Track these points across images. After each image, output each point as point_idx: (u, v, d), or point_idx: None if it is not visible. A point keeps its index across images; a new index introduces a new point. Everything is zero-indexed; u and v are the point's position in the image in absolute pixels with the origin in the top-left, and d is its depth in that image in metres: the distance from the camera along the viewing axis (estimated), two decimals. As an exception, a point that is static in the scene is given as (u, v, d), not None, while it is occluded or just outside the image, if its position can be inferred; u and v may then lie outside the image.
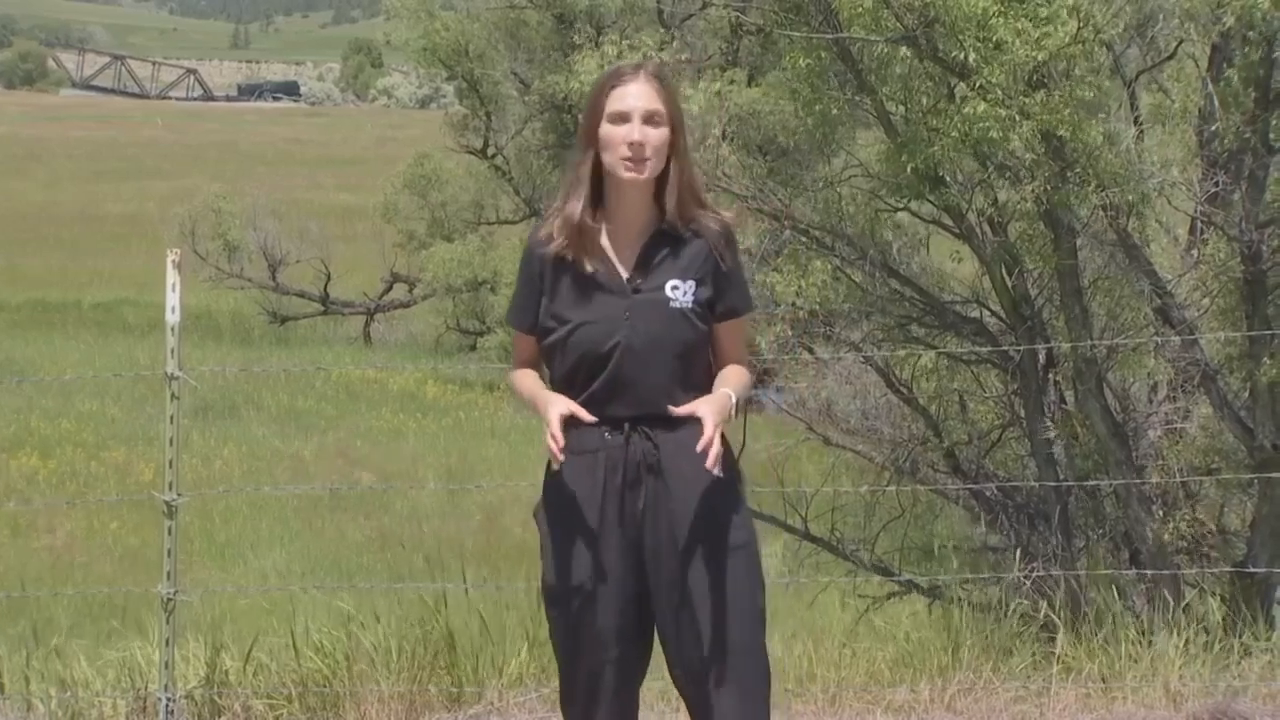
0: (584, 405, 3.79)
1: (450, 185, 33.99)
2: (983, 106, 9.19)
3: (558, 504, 3.88)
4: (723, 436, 3.78)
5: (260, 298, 36.07)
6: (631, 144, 3.75)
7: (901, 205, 11.20)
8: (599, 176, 3.83)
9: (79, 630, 11.42)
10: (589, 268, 3.82)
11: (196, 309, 32.09)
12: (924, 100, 10.27)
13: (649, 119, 3.77)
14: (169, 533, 6.13)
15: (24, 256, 44.26)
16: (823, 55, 10.44)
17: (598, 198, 3.83)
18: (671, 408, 3.72)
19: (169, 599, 6.08)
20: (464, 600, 6.51)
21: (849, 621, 8.57)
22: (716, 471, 3.65)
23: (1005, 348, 10.75)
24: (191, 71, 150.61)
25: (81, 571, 15.21)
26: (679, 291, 3.79)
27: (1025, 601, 7.57)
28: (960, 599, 6.79)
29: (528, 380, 3.99)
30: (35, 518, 16.30)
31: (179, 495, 6.19)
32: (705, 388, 3.84)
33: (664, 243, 3.83)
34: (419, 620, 6.34)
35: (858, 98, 10.73)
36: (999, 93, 9.21)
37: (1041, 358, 10.80)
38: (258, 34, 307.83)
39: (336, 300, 36.74)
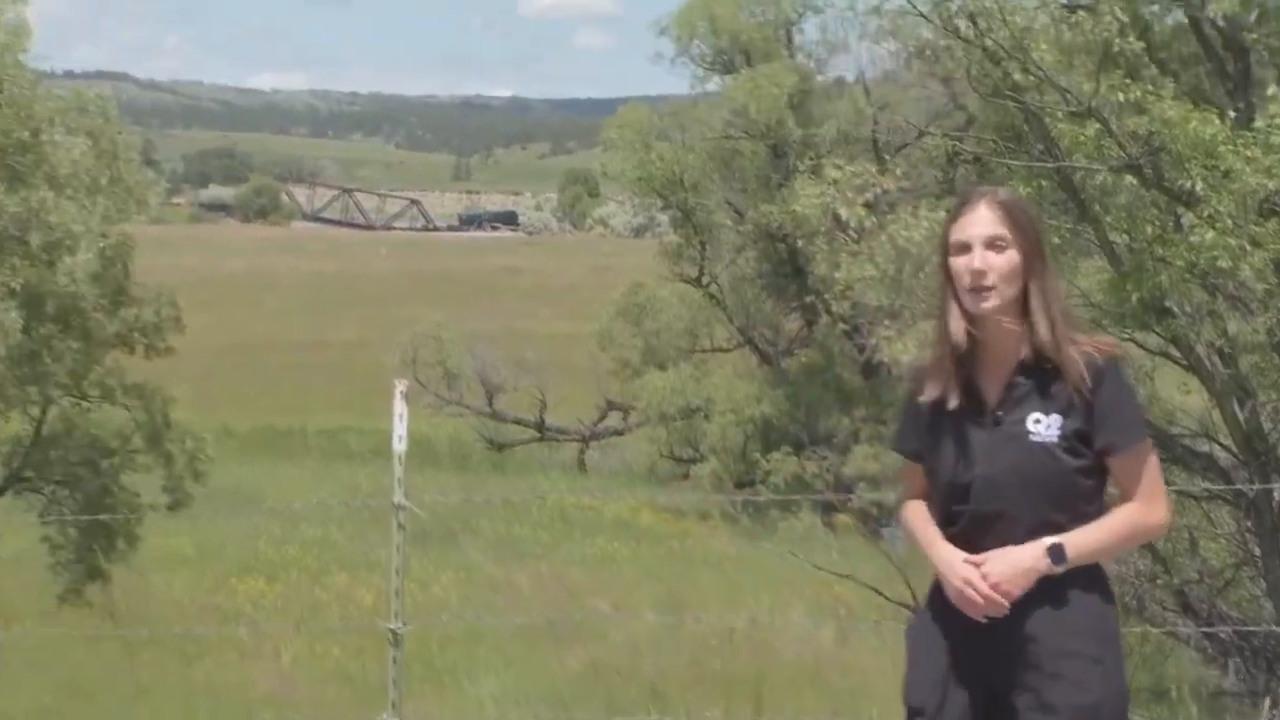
0: (953, 540, 3.73)
1: (664, 313, 34.32)
2: (1211, 235, 9.03)
3: (921, 630, 3.84)
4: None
5: (478, 424, 36.72)
6: (972, 272, 3.63)
7: (1126, 336, 11.00)
8: (965, 309, 3.71)
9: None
10: (956, 402, 3.73)
11: (416, 435, 32.57)
12: (1149, 229, 10.11)
13: (990, 244, 3.64)
14: (394, 661, 6.24)
15: (253, 384, 45.87)
16: (1043, 184, 10.38)
17: (969, 330, 3.71)
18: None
19: (392, 727, 6.18)
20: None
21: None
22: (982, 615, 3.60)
23: (1238, 485, 10.41)
24: (415, 202, 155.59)
25: (305, 697, 15.52)
26: (1041, 425, 3.63)
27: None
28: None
29: (917, 516, 3.91)
30: (261, 642, 16.74)
31: (404, 624, 6.31)
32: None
33: (1031, 373, 3.67)
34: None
35: (1079, 226, 10.62)
36: (1228, 221, 9.04)
37: (1277, 495, 10.44)
38: (478, 165, 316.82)
39: (552, 427, 37.19)
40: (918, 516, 3.89)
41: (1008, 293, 3.64)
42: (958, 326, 3.69)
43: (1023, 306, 3.66)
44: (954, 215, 3.75)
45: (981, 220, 3.67)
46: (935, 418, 3.77)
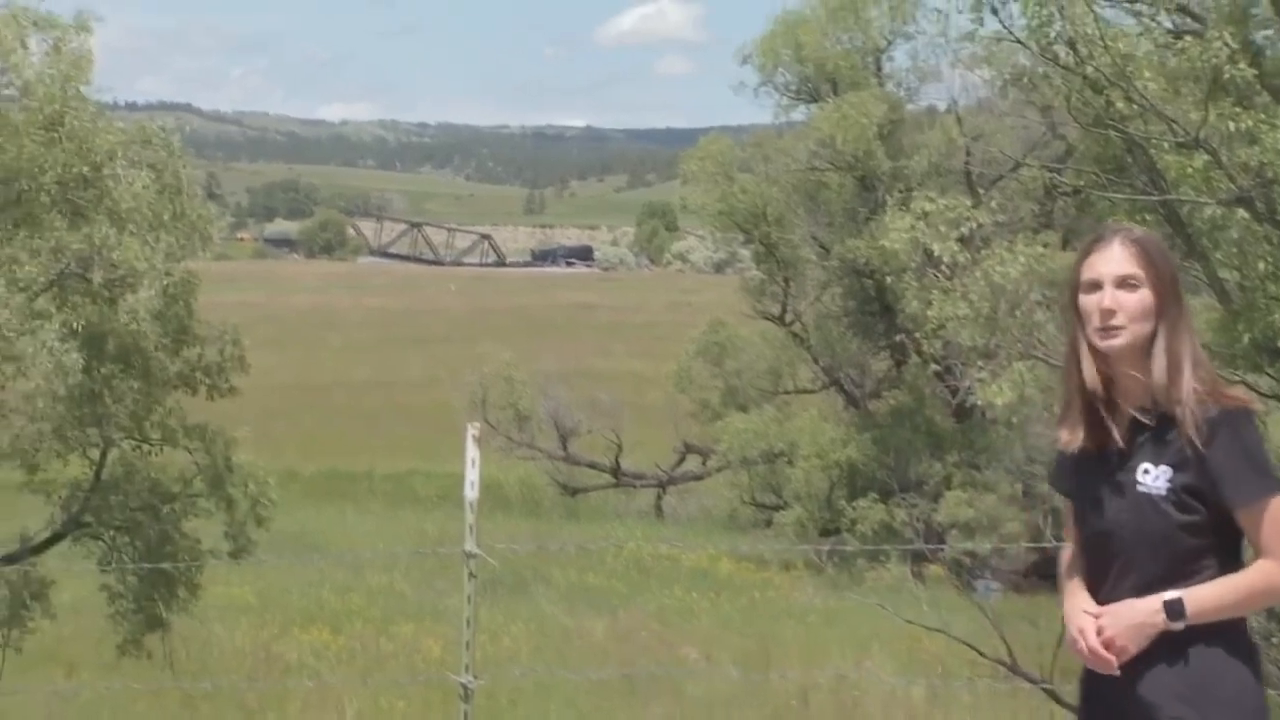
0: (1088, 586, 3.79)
1: (746, 352, 34.31)
2: (1329, 272, 8.92)
3: (1080, 686, 3.87)
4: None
5: (550, 468, 36.80)
6: (1102, 311, 3.67)
7: (1237, 378, 10.86)
8: (1094, 350, 3.75)
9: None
10: (1087, 445, 3.78)
11: (487, 479, 32.67)
12: (1261, 265, 10.00)
13: (1122, 283, 3.67)
14: (464, 717, 6.25)
15: (318, 425, 46.27)
16: (1147, 218, 10.30)
17: (1097, 371, 3.75)
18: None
19: (462, 787, 6.18)
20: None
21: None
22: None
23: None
24: (485, 237, 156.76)
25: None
26: (1149, 476, 3.65)
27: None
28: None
29: (1063, 561, 3.96)
30: (325, 695, 16.82)
31: (475, 678, 6.32)
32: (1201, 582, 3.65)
33: (1151, 420, 3.69)
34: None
35: (1186, 263, 10.52)
36: (1347, 257, 8.92)
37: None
38: (552, 198, 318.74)
39: (628, 472, 37.20)
40: (1063, 562, 3.94)
41: (1138, 332, 3.67)
42: (1089, 368, 3.73)
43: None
44: (1086, 252, 3.78)
45: (1114, 258, 3.70)
46: (1076, 460, 3.83)
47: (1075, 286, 3.76)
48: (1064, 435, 3.82)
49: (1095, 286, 3.70)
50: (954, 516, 27.44)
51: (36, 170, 14.53)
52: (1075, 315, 3.76)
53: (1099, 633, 3.63)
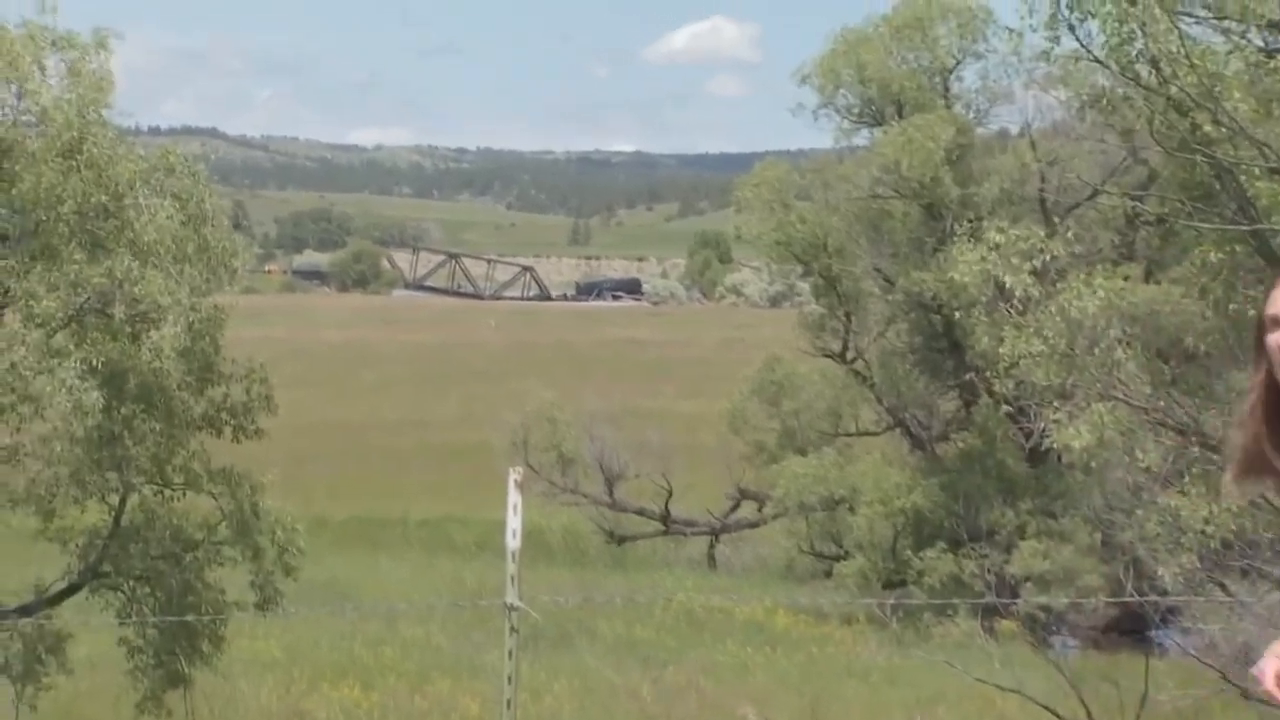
0: None
1: (804, 392, 34.22)
2: None
3: None
4: None
5: (596, 514, 36.76)
6: None
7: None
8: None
9: None
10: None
11: (528, 526, 32.76)
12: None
13: None
14: (504, 783, 6.23)
15: (349, 468, 46.41)
16: (1237, 249, 10.24)
17: None
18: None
19: None
20: None
21: None
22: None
23: None
24: (527, 269, 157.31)
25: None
26: None
27: None
28: None
29: None
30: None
31: (515, 741, 6.30)
32: None
33: None
34: None
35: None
36: None
37: None
38: (598, 228, 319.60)
39: (678, 519, 37.12)
40: None
41: None
42: (1261, 410, 3.69)
43: None
44: (1270, 287, 3.72)
45: None
46: None
47: (1261, 325, 3.72)
48: (1240, 482, 3.78)
49: (1276, 324, 3.66)
50: (1028, 568, 27.27)
51: (54, 200, 14.63)
52: (1260, 355, 3.72)
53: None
